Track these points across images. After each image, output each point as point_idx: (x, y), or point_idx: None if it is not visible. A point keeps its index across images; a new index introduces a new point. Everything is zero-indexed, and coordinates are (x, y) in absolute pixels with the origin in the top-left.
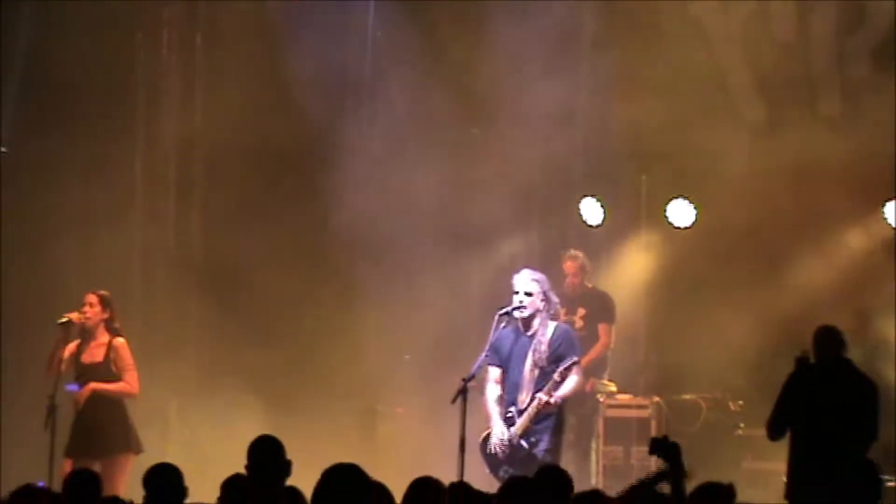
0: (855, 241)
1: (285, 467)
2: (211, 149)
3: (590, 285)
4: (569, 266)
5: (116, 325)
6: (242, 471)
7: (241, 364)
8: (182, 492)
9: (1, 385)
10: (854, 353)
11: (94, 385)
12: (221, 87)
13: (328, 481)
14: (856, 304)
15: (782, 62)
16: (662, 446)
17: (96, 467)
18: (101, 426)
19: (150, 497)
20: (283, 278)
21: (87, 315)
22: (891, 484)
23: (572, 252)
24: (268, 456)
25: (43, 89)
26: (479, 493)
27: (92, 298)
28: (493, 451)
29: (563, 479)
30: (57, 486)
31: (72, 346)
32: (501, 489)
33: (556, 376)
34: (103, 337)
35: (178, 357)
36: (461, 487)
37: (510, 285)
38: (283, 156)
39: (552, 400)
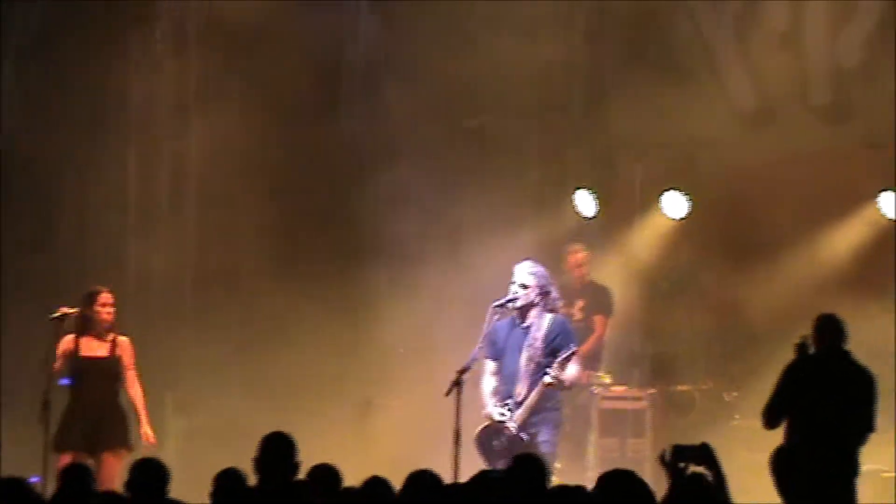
0: (849, 231)
1: (295, 467)
2: (204, 144)
3: (589, 278)
4: (574, 259)
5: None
6: (236, 464)
7: (236, 357)
8: (164, 490)
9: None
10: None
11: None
12: (215, 79)
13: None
14: (852, 295)
15: (775, 52)
16: (695, 453)
17: (89, 462)
18: (104, 421)
19: (133, 490)
20: (279, 273)
21: (110, 314)
22: (887, 475)
23: (575, 246)
24: (279, 453)
25: (38, 83)
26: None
27: (109, 297)
28: (491, 443)
29: (538, 467)
30: (52, 480)
31: (67, 342)
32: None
33: (556, 364)
34: (107, 334)
35: (173, 352)
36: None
37: (510, 275)
38: (278, 148)
39: (560, 377)
